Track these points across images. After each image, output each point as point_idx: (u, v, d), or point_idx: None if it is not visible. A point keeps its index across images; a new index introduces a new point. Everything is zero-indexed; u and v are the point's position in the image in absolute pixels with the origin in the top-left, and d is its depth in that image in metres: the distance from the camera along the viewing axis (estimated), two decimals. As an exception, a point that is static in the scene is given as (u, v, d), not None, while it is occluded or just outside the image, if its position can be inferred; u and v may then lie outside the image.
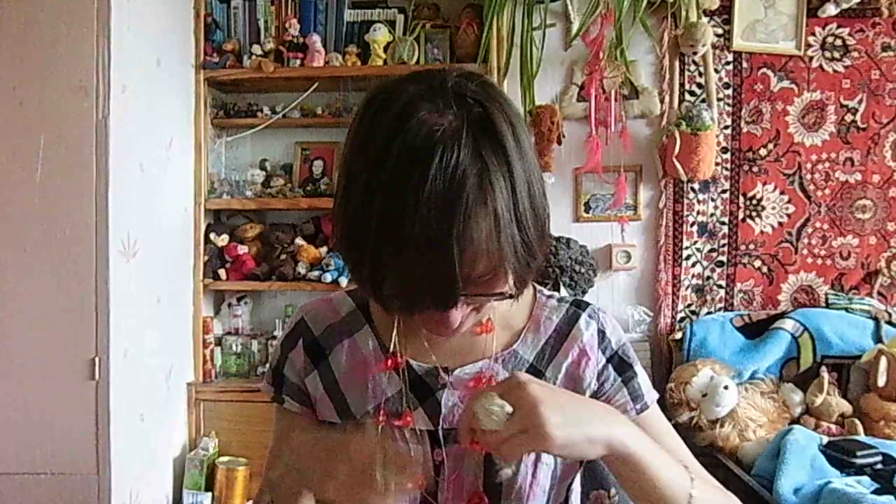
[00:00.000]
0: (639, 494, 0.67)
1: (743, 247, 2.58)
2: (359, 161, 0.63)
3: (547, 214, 0.66)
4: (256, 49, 2.61)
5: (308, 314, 0.85)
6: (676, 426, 1.37)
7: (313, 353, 0.83)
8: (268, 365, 0.88)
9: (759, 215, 2.56)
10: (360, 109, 0.66)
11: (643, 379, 0.81)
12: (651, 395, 0.81)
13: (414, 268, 0.59)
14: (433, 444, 0.76)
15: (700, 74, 2.53)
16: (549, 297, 0.84)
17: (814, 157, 2.54)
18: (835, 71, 2.52)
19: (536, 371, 0.78)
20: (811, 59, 2.52)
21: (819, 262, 2.56)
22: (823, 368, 2.26)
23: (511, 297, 0.66)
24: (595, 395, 0.79)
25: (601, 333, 0.81)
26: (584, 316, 0.81)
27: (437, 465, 0.76)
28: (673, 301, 2.59)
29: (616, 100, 2.50)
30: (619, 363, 0.81)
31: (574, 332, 0.80)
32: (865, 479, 1.76)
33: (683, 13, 2.43)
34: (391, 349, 0.79)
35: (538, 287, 0.85)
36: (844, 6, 2.46)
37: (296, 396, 0.83)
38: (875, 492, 1.69)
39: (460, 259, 0.58)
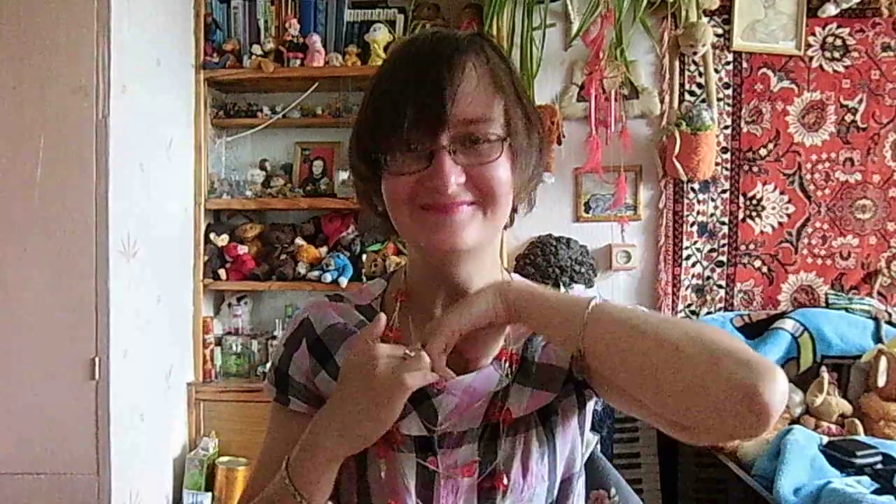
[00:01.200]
0: (536, 323, 0.71)
1: (743, 247, 2.58)
2: (372, 80, 0.74)
3: (540, 117, 0.76)
4: (256, 49, 2.60)
5: (312, 313, 0.84)
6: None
7: (318, 353, 0.81)
8: (269, 364, 0.86)
9: (759, 215, 2.56)
10: None
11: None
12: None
13: (407, 90, 0.68)
14: (427, 451, 0.74)
15: (700, 74, 2.53)
16: None
17: (814, 157, 2.54)
18: (835, 71, 2.52)
19: (524, 358, 0.79)
20: (811, 59, 2.52)
21: (819, 262, 2.56)
22: (823, 368, 2.26)
23: (503, 140, 0.70)
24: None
25: None
26: None
27: (431, 472, 0.74)
28: (673, 301, 2.59)
29: (616, 100, 2.50)
30: None
31: None
32: (865, 479, 1.76)
33: (683, 13, 2.43)
34: (389, 323, 0.79)
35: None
36: (844, 6, 2.46)
37: (303, 397, 0.82)
38: (875, 492, 1.68)
39: (450, 78, 0.67)
